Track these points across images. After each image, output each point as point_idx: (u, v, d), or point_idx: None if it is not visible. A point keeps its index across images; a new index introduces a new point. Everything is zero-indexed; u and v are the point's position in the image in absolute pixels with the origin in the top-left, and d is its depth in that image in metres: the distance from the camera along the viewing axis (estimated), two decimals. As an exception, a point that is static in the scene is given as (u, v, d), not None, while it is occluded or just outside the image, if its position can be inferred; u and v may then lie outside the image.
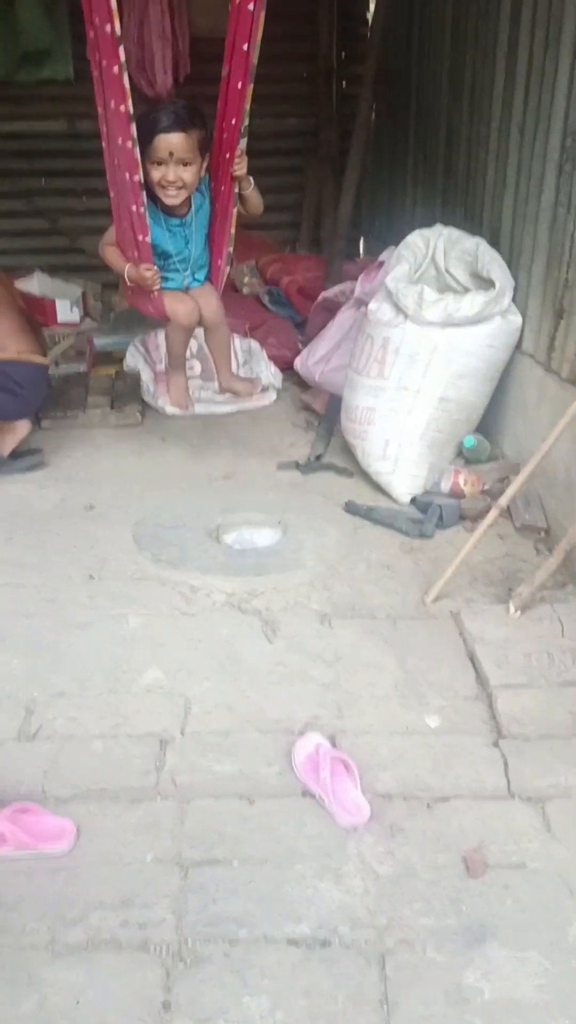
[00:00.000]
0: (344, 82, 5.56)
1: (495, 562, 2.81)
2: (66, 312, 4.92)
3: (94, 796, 1.87)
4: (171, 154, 2.69)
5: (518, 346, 3.20)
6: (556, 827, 1.80)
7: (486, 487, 3.15)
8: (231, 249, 3.07)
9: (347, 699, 2.18)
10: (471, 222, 3.58)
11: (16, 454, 3.43)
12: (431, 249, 3.33)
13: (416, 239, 3.34)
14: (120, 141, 2.63)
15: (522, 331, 3.16)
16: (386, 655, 2.35)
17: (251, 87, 2.63)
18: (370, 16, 5.15)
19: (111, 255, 2.98)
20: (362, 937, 1.57)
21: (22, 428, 3.44)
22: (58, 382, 4.17)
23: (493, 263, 3.13)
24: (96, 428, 3.88)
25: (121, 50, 2.45)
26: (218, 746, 2.01)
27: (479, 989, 1.47)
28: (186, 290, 3.08)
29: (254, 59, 2.60)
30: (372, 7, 4.98)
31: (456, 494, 3.15)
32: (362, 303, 3.64)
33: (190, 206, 2.92)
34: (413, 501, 3.17)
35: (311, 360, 3.94)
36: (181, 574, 2.69)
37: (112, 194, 2.86)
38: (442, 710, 2.15)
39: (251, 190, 2.91)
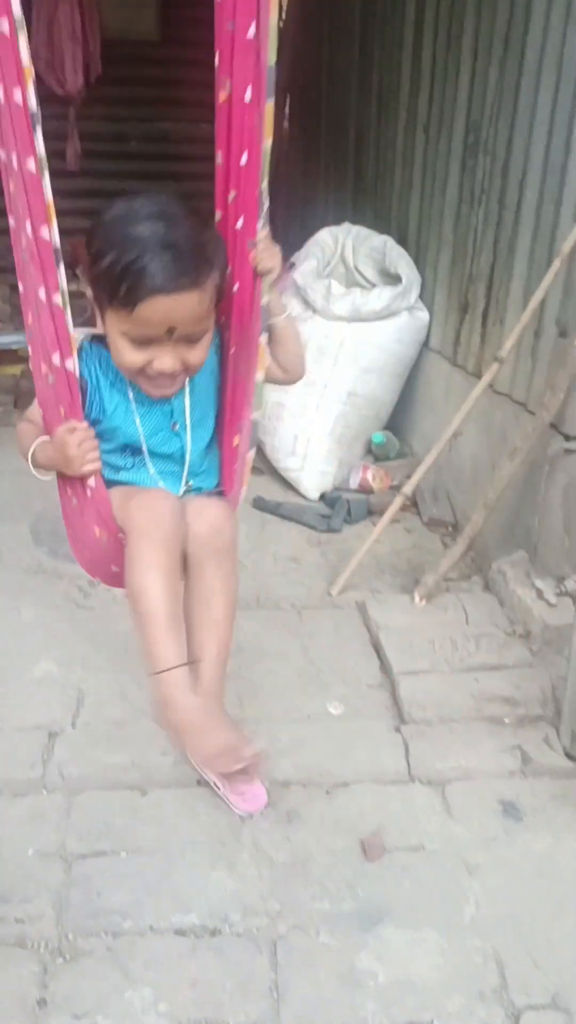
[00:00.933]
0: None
1: (402, 554, 2.80)
2: (-30, 312, 4.76)
3: (-25, 790, 1.76)
4: (171, 330, 1.40)
5: (426, 343, 3.21)
6: (455, 808, 1.77)
7: (395, 483, 3.14)
8: (258, 415, 1.59)
9: (248, 688, 2.11)
10: (380, 222, 3.59)
11: None
12: (339, 246, 3.33)
13: (325, 236, 3.33)
14: (15, 157, 1.36)
15: (429, 328, 3.17)
16: (290, 645, 2.30)
17: (270, 105, 1.42)
18: (281, 22, 5.17)
19: (22, 433, 1.62)
20: (253, 924, 1.50)
21: None
22: (-41, 381, 4.02)
23: (400, 259, 3.15)
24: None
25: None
26: (110, 736, 1.92)
27: (373, 972, 1.42)
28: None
29: (269, 55, 1.39)
30: (283, 13, 5.01)
31: (365, 490, 3.14)
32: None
33: None
34: (322, 497, 3.14)
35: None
36: (79, 568, 2.58)
37: (17, 269, 1.49)
38: (345, 698, 2.10)
39: (284, 316, 1.58)
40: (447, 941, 1.48)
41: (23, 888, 1.55)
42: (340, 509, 2.98)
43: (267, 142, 1.43)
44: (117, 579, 1.67)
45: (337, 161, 4.39)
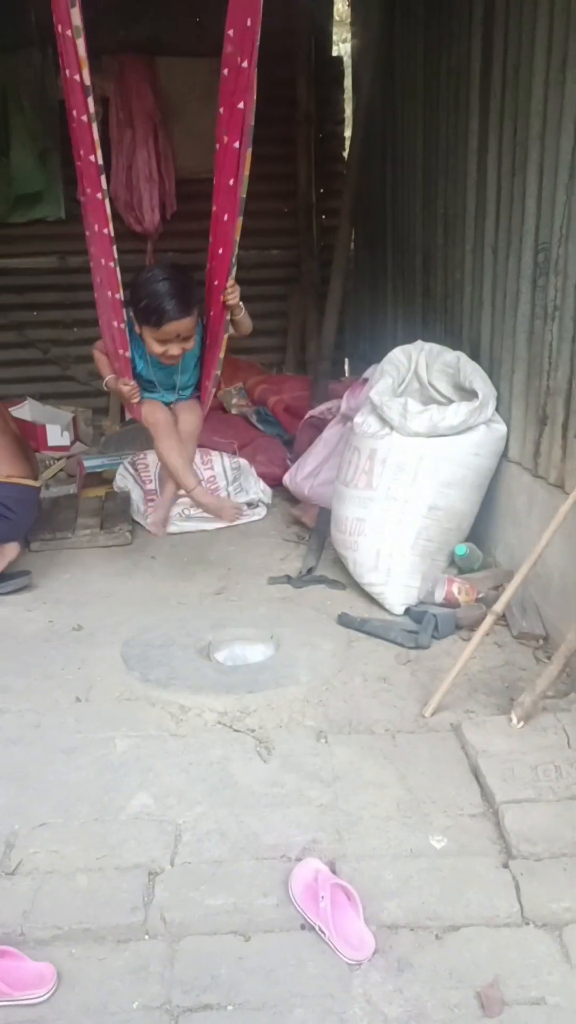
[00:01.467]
0: (323, 216, 5.83)
1: (494, 672, 2.74)
2: (56, 436, 4.98)
3: (77, 936, 1.74)
4: (178, 336, 2.86)
5: (505, 454, 3.22)
6: (575, 956, 1.67)
7: (481, 595, 3.10)
8: (219, 372, 3.14)
9: (347, 821, 2.06)
10: (451, 338, 3.67)
11: (3, 576, 3.38)
12: (413, 363, 3.40)
13: (398, 354, 3.41)
14: (103, 261, 2.79)
15: (507, 439, 3.19)
16: (387, 772, 2.25)
17: (240, 219, 2.67)
18: (346, 154, 5.44)
19: (99, 361, 3.11)
20: None
21: (11, 551, 3.41)
22: (48, 504, 4.17)
23: (475, 374, 3.19)
24: (85, 549, 3.85)
25: (103, 179, 2.59)
26: (211, 877, 1.88)
27: None
28: (170, 405, 3.19)
29: (241, 193, 2.63)
30: (348, 147, 5.27)
31: (451, 603, 3.10)
32: (348, 418, 3.69)
33: None
34: (407, 612, 3.11)
35: (300, 475, 3.97)
36: (170, 693, 2.60)
37: (98, 309, 3.04)
38: (447, 830, 2.03)
39: (242, 315, 2.95)
40: None
41: (130, 1046, 1.50)
42: (428, 624, 2.94)
43: (236, 240, 2.74)
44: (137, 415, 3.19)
45: (405, 281, 4.53)
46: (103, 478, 4.45)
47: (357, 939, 1.68)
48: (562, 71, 2.62)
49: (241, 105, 2.48)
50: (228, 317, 2.88)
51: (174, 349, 2.89)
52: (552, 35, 2.66)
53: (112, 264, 2.73)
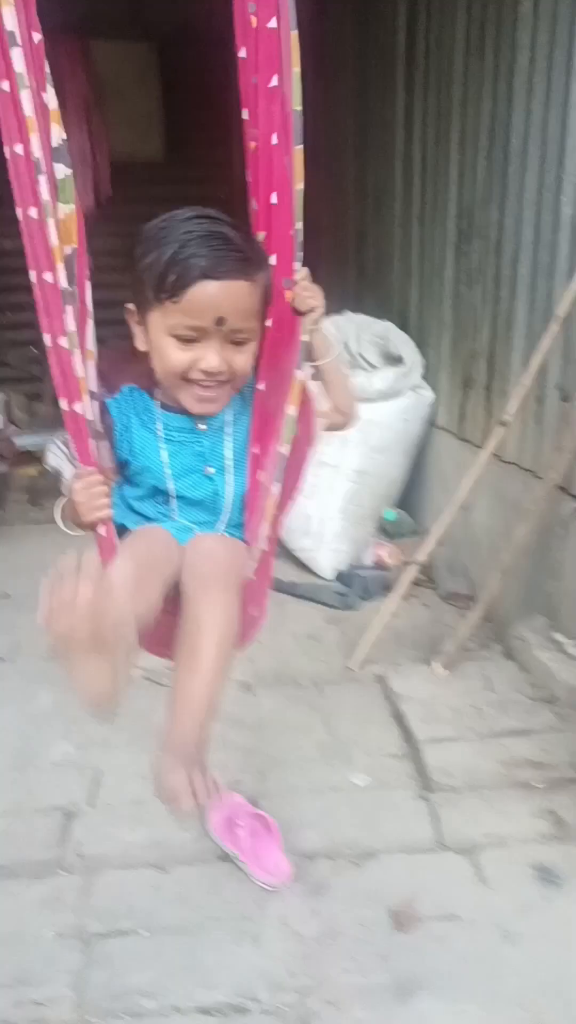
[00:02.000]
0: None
1: (421, 629, 2.77)
2: (-12, 418, 4.90)
3: (-8, 874, 1.71)
4: (220, 321, 1.35)
5: (433, 422, 3.27)
6: (489, 876, 1.70)
7: (409, 559, 3.13)
8: (285, 449, 1.43)
9: (270, 763, 2.07)
10: (382, 311, 3.70)
11: None
12: (343, 335, 3.43)
13: (327, 325, 3.43)
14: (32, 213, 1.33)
15: (435, 406, 3.23)
16: (311, 719, 2.26)
17: (300, 149, 1.39)
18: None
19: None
20: (283, 1001, 1.42)
21: None
22: (-23, 483, 4.11)
23: (402, 342, 3.24)
24: (16, 524, 3.81)
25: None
26: (130, 816, 1.87)
27: (411, 1045, 1.34)
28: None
29: (293, 101, 1.37)
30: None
31: (380, 567, 3.13)
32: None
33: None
34: (338, 576, 3.14)
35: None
36: (97, 652, 2.57)
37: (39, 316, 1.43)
38: (369, 769, 2.05)
39: (323, 337, 1.46)
40: (488, 1013, 1.40)
41: (42, 971, 1.48)
42: (356, 586, 2.97)
43: (299, 185, 1.40)
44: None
45: (339, 259, 4.56)
46: (35, 457, 4.39)
47: (274, 866, 1.69)
48: (480, 38, 2.68)
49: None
50: (303, 336, 1.41)
51: (211, 357, 1.36)
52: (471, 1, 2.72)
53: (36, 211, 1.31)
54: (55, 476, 4.35)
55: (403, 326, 3.42)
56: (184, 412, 1.45)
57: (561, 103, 2.25)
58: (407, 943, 1.54)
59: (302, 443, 1.47)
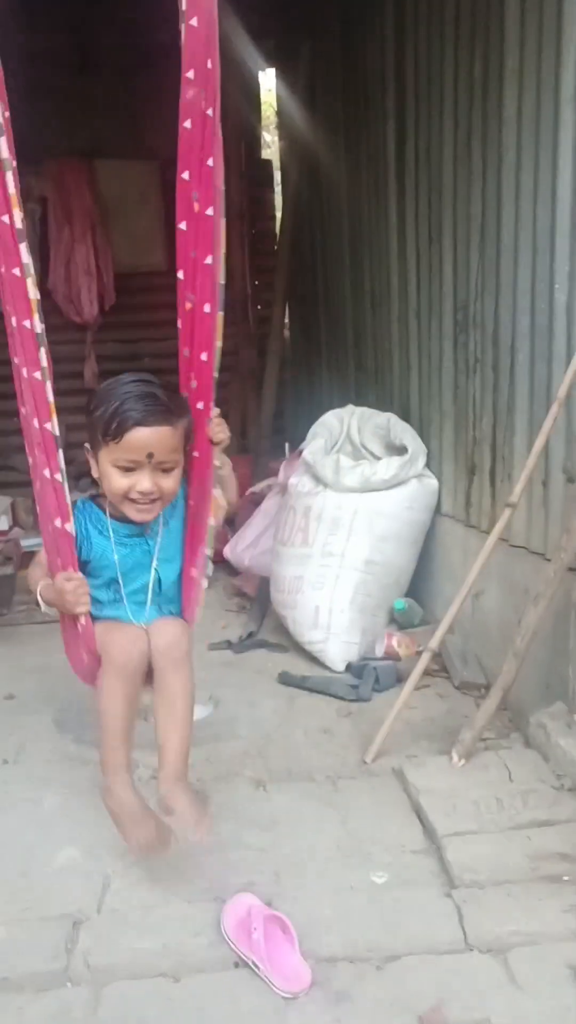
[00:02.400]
0: (259, 306, 6.04)
1: (436, 721, 2.70)
2: (-5, 522, 4.93)
3: (-6, 988, 1.61)
4: (150, 456, 1.83)
5: (438, 510, 3.27)
6: (521, 978, 1.60)
7: (420, 648, 3.09)
8: (210, 552, 2.04)
9: (285, 863, 1.98)
10: (383, 405, 3.76)
11: None
12: (345, 426, 3.48)
13: (330, 418, 3.49)
14: (26, 372, 1.75)
15: (440, 495, 3.25)
16: (327, 816, 2.18)
17: (221, 315, 1.85)
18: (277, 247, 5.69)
19: (31, 574, 2.05)
20: None
21: None
22: (-16, 585, 4.10)
23: (405, 432, 3.28)
24: (23, 626, 3.77)
25: (23, 248, 1.68)
26: (139, 922, 1.78)
27: None
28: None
29: (220, 277, 1.82)
30: (279, 236, 5.51)
31: (391, 657, 3.08)
32: (285, 489, 3.73)
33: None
34: (348, 668, 3.08)
35: (240, 546, 3.96)
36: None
37: (28, 452, 1.85)
38: (389, 866, 1.96)
39: (228, 469, 2.03)
40: None
41: None
42: (368, 677, 2.91)
43: (218, 343, 1.87)
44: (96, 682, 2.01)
45: (338, 357, 4.68)
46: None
47: (292, 972, 1.59)
48: (467, 144, 2.81)
49: (210, 162, 1.76)
50: (216, 462, 1.96)
51: (144, 482, 1.84)
52: (457, 109, 2.86)
53: (38, 375, 1.73)
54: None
55: (405, 417, 3.47)
56: (129, 520, 1.96)
57: (549, 197, 2.34)
58: (438, 1054, 1.44)
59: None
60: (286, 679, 3.02)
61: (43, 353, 1.72)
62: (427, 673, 2.65)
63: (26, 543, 4.48)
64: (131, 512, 1.91)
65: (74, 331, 5.51)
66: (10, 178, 1.65)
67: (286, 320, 5.63)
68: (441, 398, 3.20)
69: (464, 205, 2.89)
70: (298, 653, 3.26)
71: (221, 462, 1.98)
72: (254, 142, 6.04)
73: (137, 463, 1.84)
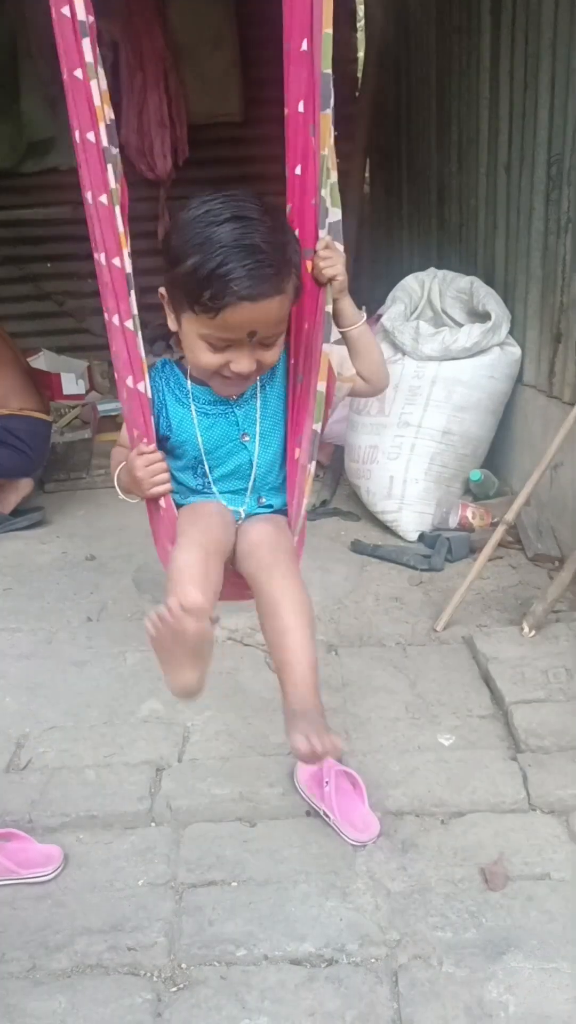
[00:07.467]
0: (338, 159, 5.74)
1: (508, 591, 2.71)
2: (72, 385, 4.98)
3: (84, 824, 1.75)
4: (252, 335, 1.41)
5: (520, 379, 3.17)
6: (583, 838, 1.66)
7: (495, 520, 3.07)
8: (318, 427, 1.53)
9: (355, 722, 2.06)
10: (466, 267, 3.61)
11: (17, 512, 3.40)
12: (426, 291, 3.35)
13: (411, 281, 3.36)
14: (91, 196, 1.45)
15: (522, 364, 3.14)
16: (396, 680, 2.24)
17: (326, 114, 1.39)
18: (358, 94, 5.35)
19: (114, 456, 1.69)
20: (372, 954, 1.42)
21: (25, 486, 3.43)
22: (63, 448, 4.19)
23: (488, 297, 3.14)
24: (100, 489, 3.86)
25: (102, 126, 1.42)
26: (217, 771, 1.89)
27: (503, 1003, 1.32)
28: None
29: (322, 64, 1.37)
30: (361, 82, 5.18)
31: (465, 528, 3.08)
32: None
33: None
34: (421, 537, 3.09)
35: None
36: (182, 612, 2.60)
37: (102, 302, 1.53)
38: (456, 729, 2.02)
39: (348, 302, 1.55)
40: (582, 973, 1.37)
41: (135, 918, 1.52)
42: (441, 547, 2.92)
43: (323, 152, 1.40)
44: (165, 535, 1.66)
45: (420, 214, 4.46)
46: (117, 422, 4.45)
47: (361, 822, 1.68)
48: (573, -29, 2.54)
49: None
50: (327, 307, 1.49)
51: (242, 362, 1.43)
52: None
53: (105, 198, 1.44)
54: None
55: (489, 280, 3.32)
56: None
57: None
58: (497, 901, 1.52)
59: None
60: (358, 547, 3.05)
61: (111, 174, 1.42)
62: (501, 544, 2.65)
63: (103, 407, 4.54)
64: (218, 386, 1.53)
65: (147, 188, 5.34)
66: (95, 86, 1.39)
67: (366, 174, 5.34)
68: (529, 260, 3.04)
69: (565, 45, 2.64)
70: (370, 522, 3.28)
71: (341, 308, 1.51)
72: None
73: (234, 340, 1.41)
